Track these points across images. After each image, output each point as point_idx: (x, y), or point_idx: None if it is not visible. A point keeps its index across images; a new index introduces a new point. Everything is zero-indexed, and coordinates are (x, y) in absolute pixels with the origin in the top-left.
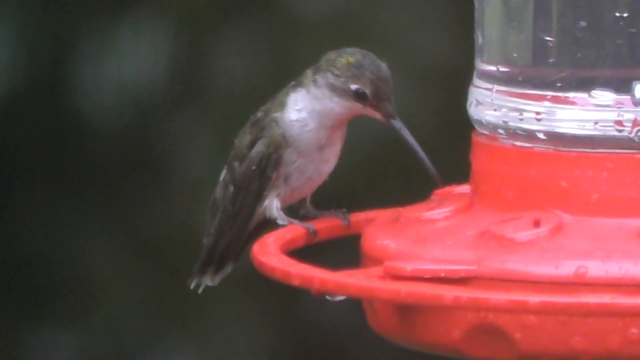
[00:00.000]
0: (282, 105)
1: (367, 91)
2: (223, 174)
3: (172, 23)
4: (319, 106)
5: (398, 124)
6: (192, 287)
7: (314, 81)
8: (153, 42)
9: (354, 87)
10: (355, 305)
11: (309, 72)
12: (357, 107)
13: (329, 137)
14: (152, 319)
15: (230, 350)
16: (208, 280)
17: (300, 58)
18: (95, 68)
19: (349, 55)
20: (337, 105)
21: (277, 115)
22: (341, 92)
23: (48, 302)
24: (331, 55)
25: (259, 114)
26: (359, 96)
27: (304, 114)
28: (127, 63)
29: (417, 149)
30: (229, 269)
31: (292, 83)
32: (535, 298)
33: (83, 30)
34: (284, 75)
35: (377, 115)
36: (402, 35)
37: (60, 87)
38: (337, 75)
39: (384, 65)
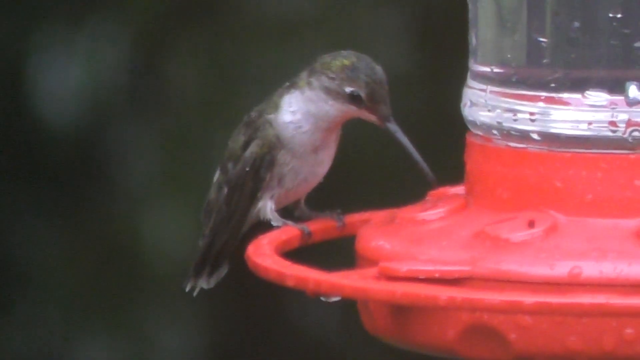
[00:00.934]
0: (276, 107)
1: (362, 94)
2: (216, 175)
3: (129, 30)
4: (313, 108)
5: (393, 126)
6: (187, 289)
7: (309, 83)
8: (110, 49)
9: (348, 89)
10: (343, 307)
11: (303, 74)
12: (352, 110)
13: (324, 139)
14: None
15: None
16: (203, 283)
17: (252, 66)
18: (52, 73)
19: (344, 58)
20: (332, 108)
21: (271, 116)
22: (336, 94)
23: None
24: (326, 57)
25: (253, 114)
26: (354, 99)
27: (298, 116)
28: (83, 69)
29: (412, 152)
30: (224, 271)
31: (287, 84)
32: (530, 298)
33: (41, 35)
34: (236, 83)
35: (373, 118)
36: (369, 38)
37: (17, 91)
38: (332, 78)
39: (379, 68)
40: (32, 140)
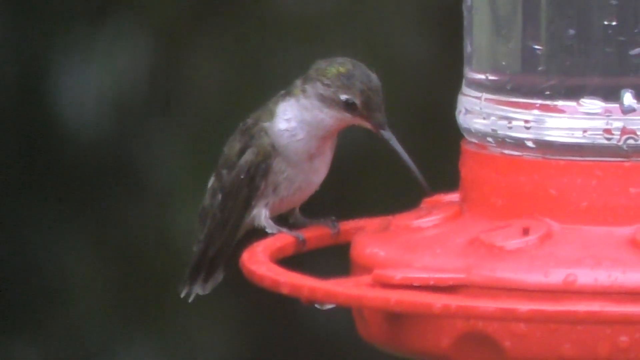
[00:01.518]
0: (272, 114)
1: (357, 101)
2: (211, 181)
3: (150, 31)
4: (308, 116)
5: (388, 134)
6: (182, 295)
7: (303, 91)
8: (131, 50)
9: (343, 97)
10: (346, 313)
11: (298, 82)
12: (347, 118)
13: (319, 147)
14: (128, 326)
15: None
16: (199, 289)
17: (275, 64)
18: (74, 77)
19: (339, 65)
20: (327, 116)
21: (266, 124)
22: (331, 102)
23: (16, 312)
24: (321, 64)
25: (249, 121)
26: (348, 106)
27: (293, 124)
28: (105, 71)
29: (406, 160)
30: (219, 277)
31: (282, 92)
32: (524, 306)
33: (61, 39)
34: (259, 82)
35: (368, 125)
36: (384, 39)
37: (39, 96)
38: (326, 85)
39: (374, 76)
40: (56, 147)
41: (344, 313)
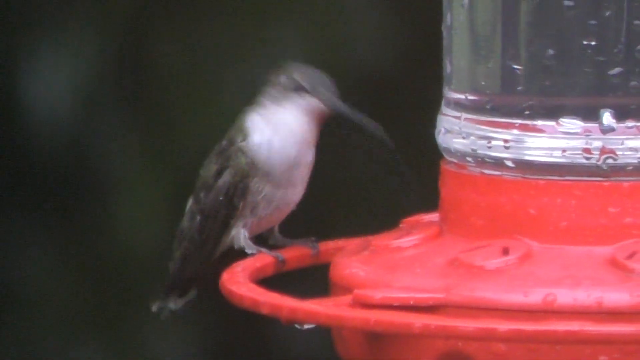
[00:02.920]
0: (243, 131)
1: (305, 84)
2: (189, 203)
3: (114, 23)
4: (276, 121)
5: (341, 105)
6: (154, 310)
7: (262, 102)
8: (96, 44)
9: (293, 85)
10: (323, 332)
11: (257, 98)
12: (303, 104)
13: (299, 153)
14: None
15: None
16: (171, 304)
17: (241, 48)
18: (38, 71)
19: (285, 70)
20: (289, 112)
21: (242, 144)
22: (284, 97)
23: None
24: (271, 74)
25: (224, 142)
26: (298, 91)
27: (266, 134)
28: (71, 65)
29: (365, 124)
30: (193, 293)
31: (246, 108)
32: (504, 326)
33: (26, 37)
34: (223, 66)
35: (322, 105)
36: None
37: (2, 92)
38: (278, 86)
39: (316, 70)
40: (18, 143)
41: (321, 332)
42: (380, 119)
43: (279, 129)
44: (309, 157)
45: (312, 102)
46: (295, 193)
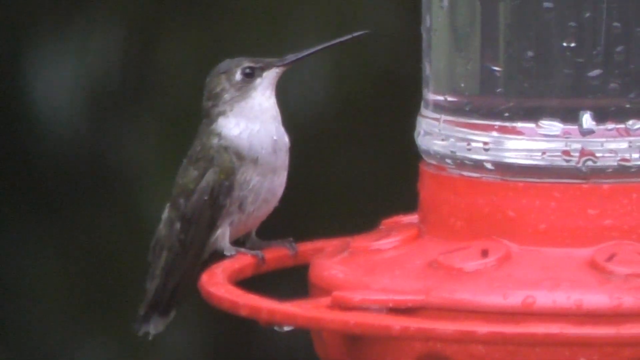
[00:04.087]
0: (218, 133)
1: (248, 65)
2: (166, 212)
3: (122, 20)
4: (244, 112)
5: (288, 57)
6: (140, 334)
7: (218, 112)
8: (103, 41)
9: (239, 75)
10: (304, 334)
11: (209, 112)
12: (259, 84)
13: (276, 131)
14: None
15: None
16: (152, 328)
17: (246, 46)
18: (45, 69)
19: (211, 76)
20: (250, 99)
21: (221, 142)
22: (238, 90)
23: None
24: (206, 83)
25: (198, 148)
26: (248, 75)
27: (242, 125)
28: (78, 64)
29: (316, 49)
30: (173, 313)
31: (203, 121)
32: (483, 328)
33: (33, 32)
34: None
35: (277, 72)
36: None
37: (10, 90)
38: (224, 85)
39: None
40: (26, 142)
41: (302, 334)
42: (361, 120)
43: (251, 115)
44: (285, 138)
45: (270, 79)
46: (280, 182)
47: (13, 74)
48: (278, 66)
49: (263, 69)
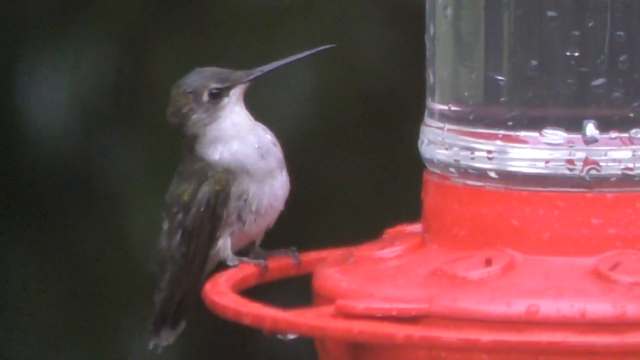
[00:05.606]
0: (200, 159)
1: (215, 86)
2: (165, 225)
3: (114, 35)
4: (217, 133)
5: (254, 72)
6: (151, 348)
7: (193, 140)
8: (95, 56)
9: (206, 97)
10: (307, 343)
11: (180, 133)
12: (227, 104)
13: (256, 139)
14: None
15: None
16: (164, 340)
17: (242, 59)
18: (39, 85)
19: (177, 88)
20: (221, 119)
21: (208, 165)
22: (206, 112)
23: None
24: (169, 106)
25: (188, 169)
26: (215, 96)
27: (219, 147)
28: (70, 79)
29: (284, 62)
30: (183, 325)
31: (182, 143)
32: (486, 337)
33: (26, 47)
34: None
35: (243, 88)
36: (345, 31)
37: (1, 107)
38: (192, 106)
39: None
40: (18, 154)
41: (305, 344)
42: (365, 129)
43: (226, 137)
44: (267, 137)
45: (236, 93)
46: (281, 184)
47: (6, 89)
48: (244, 82)
49: (229, 87)
